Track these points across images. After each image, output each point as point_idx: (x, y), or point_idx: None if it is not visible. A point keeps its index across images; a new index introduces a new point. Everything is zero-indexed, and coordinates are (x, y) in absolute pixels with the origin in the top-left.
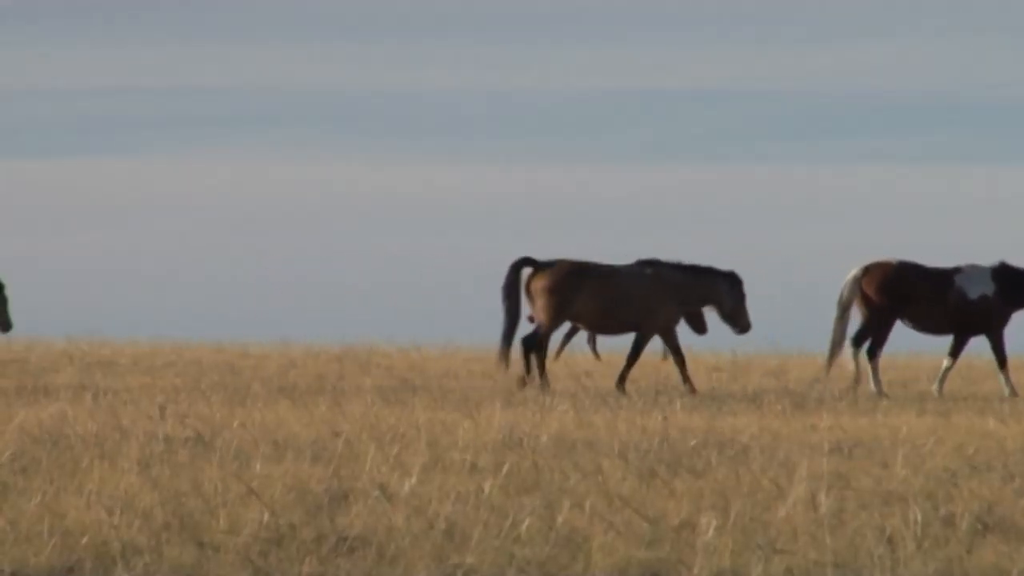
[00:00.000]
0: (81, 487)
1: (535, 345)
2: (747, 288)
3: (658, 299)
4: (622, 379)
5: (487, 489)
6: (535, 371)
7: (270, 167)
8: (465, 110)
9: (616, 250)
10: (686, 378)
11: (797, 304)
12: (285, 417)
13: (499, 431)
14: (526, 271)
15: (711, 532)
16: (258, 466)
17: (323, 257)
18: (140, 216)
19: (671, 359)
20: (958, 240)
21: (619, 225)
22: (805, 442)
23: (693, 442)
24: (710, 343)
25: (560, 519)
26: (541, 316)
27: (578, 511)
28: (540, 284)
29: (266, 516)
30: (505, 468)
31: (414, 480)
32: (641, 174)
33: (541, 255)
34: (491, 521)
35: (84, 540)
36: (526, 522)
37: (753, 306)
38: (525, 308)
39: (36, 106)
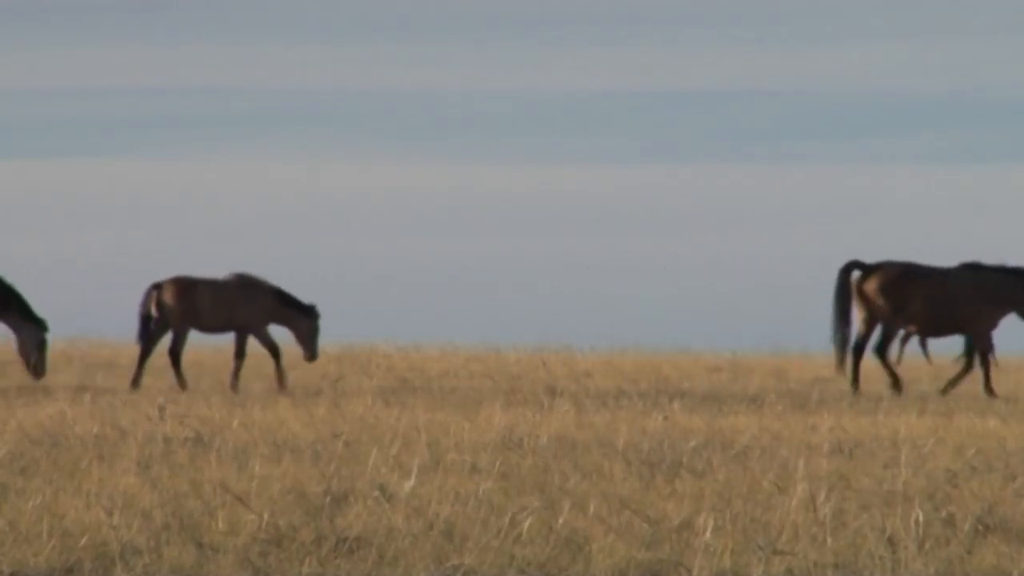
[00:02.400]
0: (80, 488)
1: (885, 350)
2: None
3: (987, 301)
4: (988, 383)
5: (486, 490)
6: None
7: (270, 167)
8: (465, 110)
9: (620, 250)
10: (988, 381)
11: (797, 304)
12: (285, 417)
13: (499, 431)
14: (856, 274)
15: (711, 532)
16: (257, 467)
17: (323, 257)
18: (140, 216)
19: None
20: (959, 240)
21: (620, 225)
22: (805, 442)
23: (693, 443)
24: (709, 343)
25: (560, 520)
26: (878, 318)
27: (578, 512)
28: (872, 286)
29: (265, 517)
30: (505, 468)
31: (413, 481)
32: (641, 174)
33: (548, 256)
34: (491, 521)
35: (83, 540)
36: (526, 522)
37: (754, 306)
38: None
39: (36, 106)
